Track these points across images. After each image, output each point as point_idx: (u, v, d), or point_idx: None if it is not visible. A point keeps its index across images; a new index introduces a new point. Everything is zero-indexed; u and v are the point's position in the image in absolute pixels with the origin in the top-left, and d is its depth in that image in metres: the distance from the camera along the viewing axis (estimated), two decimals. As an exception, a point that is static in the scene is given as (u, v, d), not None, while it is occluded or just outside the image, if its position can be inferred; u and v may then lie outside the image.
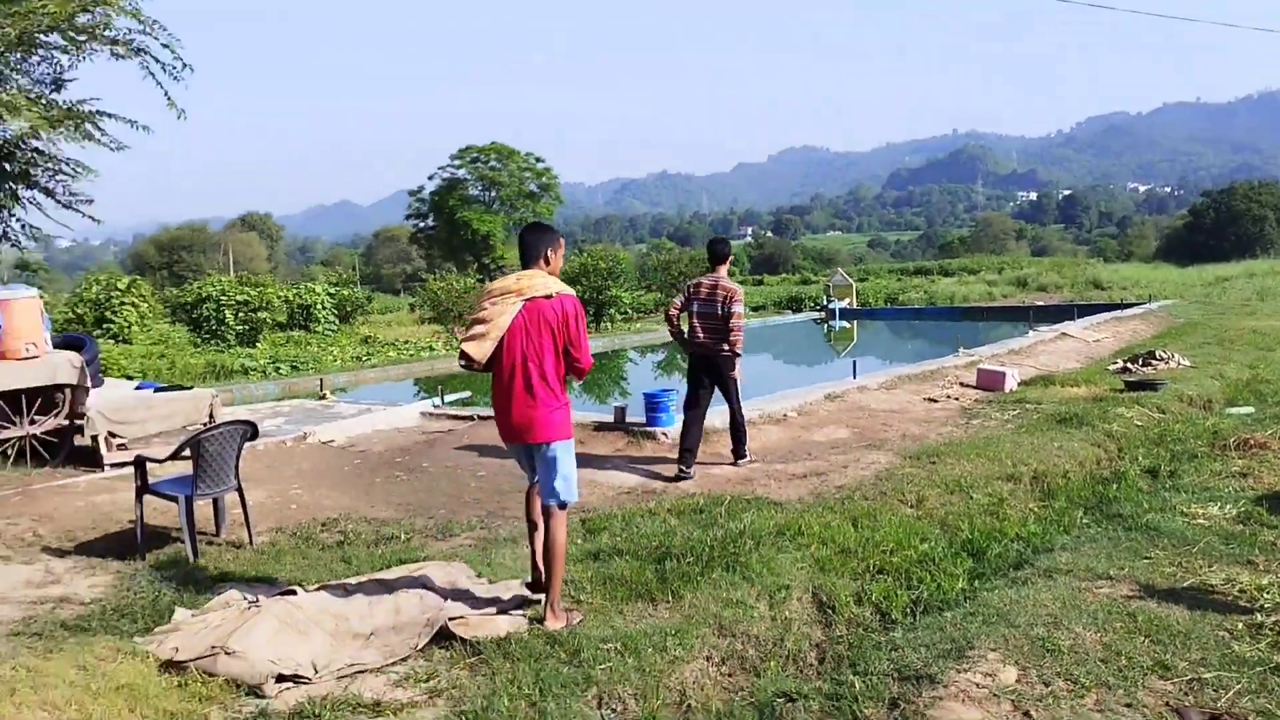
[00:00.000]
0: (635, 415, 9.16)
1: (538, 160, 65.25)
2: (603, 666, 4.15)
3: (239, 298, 23.09)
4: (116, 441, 8.19)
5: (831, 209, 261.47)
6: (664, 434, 8.65)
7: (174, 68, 9.39)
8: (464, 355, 4.76)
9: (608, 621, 4.67)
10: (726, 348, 7.83)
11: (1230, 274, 39.59)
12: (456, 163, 64.08)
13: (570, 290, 4.89)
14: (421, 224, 66.41)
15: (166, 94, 9.40)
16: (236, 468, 6.22)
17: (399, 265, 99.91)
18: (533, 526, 5.01)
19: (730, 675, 4.40)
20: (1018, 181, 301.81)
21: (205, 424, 8.53)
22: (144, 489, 6.13)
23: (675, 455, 8.28)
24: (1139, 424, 9.20)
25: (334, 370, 18.46)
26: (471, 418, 10.06)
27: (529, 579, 5.14)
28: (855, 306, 32.03)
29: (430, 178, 64.97)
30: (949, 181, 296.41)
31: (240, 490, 6.29)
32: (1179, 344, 15.53)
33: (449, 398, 11.40)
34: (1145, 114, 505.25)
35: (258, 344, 22.59)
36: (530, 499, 5.04)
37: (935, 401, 10.67)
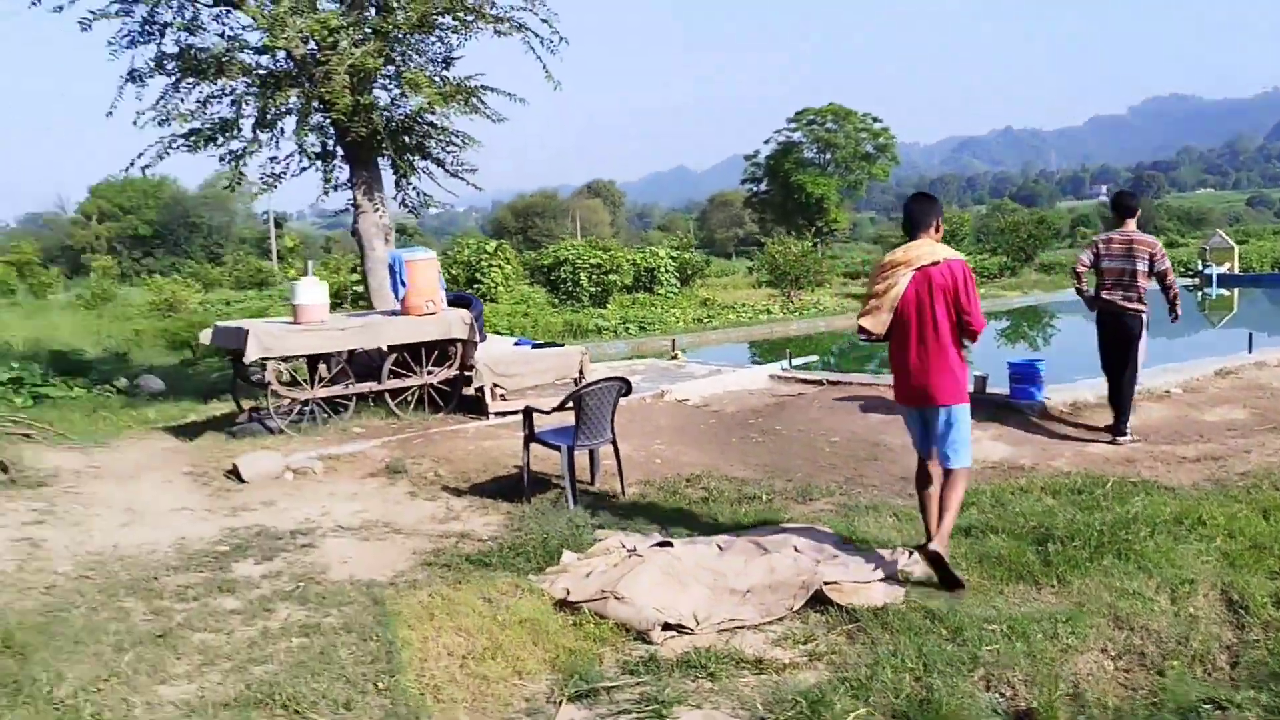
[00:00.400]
0: (996, 386, 8.72)
1: (875, 120, 63.65)
2: (989, 648, 3.98)
3: (592, 261, 24.45)
4: (500, 392, 8.93)
5: (1202, 164, 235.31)
6: (1030, 408, 8.15)
7: (550, 41, 10.02)
8: (862, 329, 4.98)
9: (988, 601, 4.48)
10: (1136, 306, 7.75)
11: None
12: (792, 125, 63.84)
13: (959, 255, 4.98)
14: (756, 188, 66.99)
15: (545, 66, 10.06)
16: (612, 422, 6.58)
17: (731, 230, 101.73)
18: (923, 485, 5.10)
19: (1128, 671, 4.07)
20: None
21: (576, 379, 9.12)
22: (531, 437, 6.63)
23: (1041, 428, 7.85)
24: None
25: (678, 331, 19.07)
26: (821, 382, 10.01)
27: (894, 547, 5.20)
28: (1237, 272, 28.63)
29: (766, 142, 65.22)
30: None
31: (615, 443, 6.65)
32: None
33: (796, 361, 11.42)
34: None
35: (608, 305, 23.82)
36: (922, 465, 5.14)
37: None
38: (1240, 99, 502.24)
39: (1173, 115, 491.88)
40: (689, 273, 30.54)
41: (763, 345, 18.00)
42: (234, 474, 7.27)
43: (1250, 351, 10.43)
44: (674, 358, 12.83)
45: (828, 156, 64.57)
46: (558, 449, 6.41)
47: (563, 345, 9.57)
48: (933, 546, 4.71)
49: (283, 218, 79.39)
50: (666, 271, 28.21)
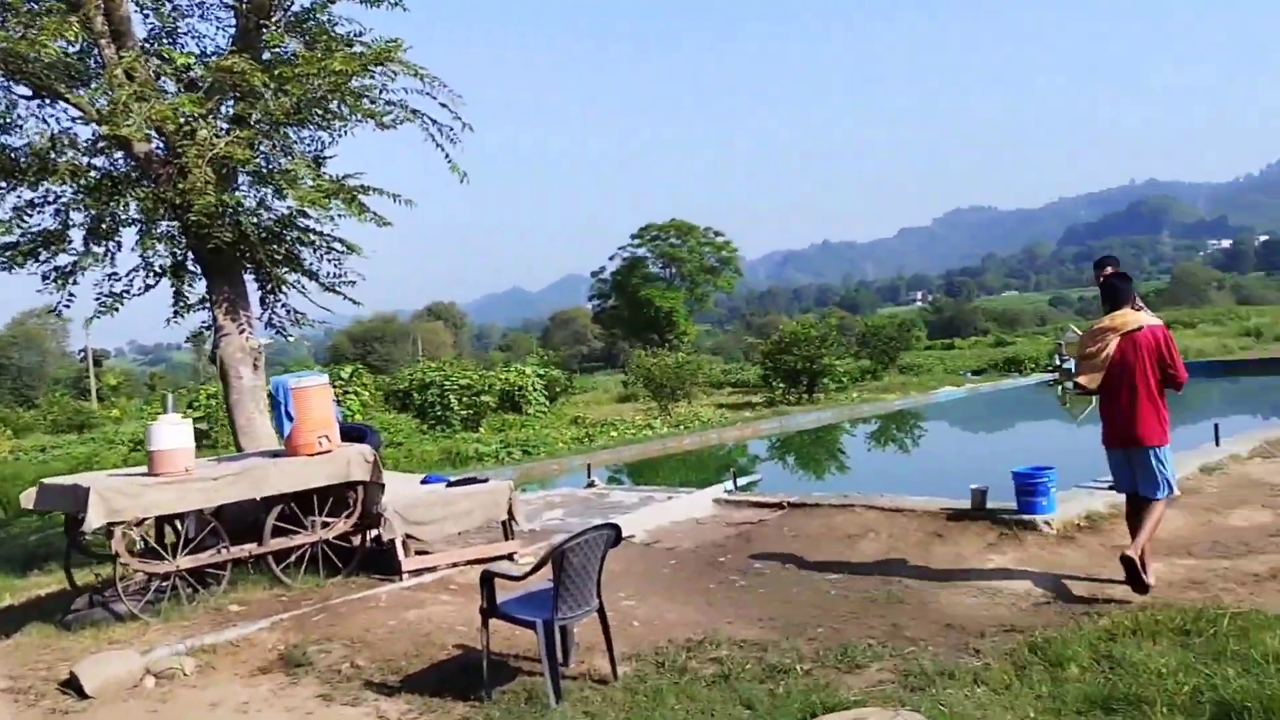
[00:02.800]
0: (997, 499, 7.66)
1: (717, 234, 64.85)
2: None
3: (462, 382, 22.77)
4: (415, 545, 7.27)
5: (1005, 269, 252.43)
6: (1046, 523, 7.08)
7: (451, 129, 8.67)
8: (1079, 386, 6.18)
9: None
10: None
11: None
12: (636, 241, 64.36)
13: (1159, 320, 6.20)
14: (604, 304, 66.80)
15: (448, 156, 8.65)
16: (599, 583, 5.08)
17: (575, 347, 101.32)
18: (1133, 514, 6.10)
19: None
20: (1207, 229, 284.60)
21: (507, 521, 7.54)
22: (491, 611, 5.05)
23: (1065, 549, 6.78)
24: None
25: (563, 454, 17.59)
26: (781, 505, 8.71)
27: None
28: (1091, 366, 29.42)
29: (611, 258, 65.54)
30: (1130, 233, 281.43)
31: (603, 610, 5.13)
32: None
33: (742, 480, 10.11)
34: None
35: (481, 428, 22.11)
36: (1131, 498, 6.16)
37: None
38: (1031, 209, 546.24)
39: (973, 225, 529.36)
40: (556, 391, 29.17)
41: (662, 465, 16.70)
42: (72, 686, 5.36)
43: (1218, 444, 9.81)
44: (591, 485, 11.34)
45: (672, 270, 65.22)
46: (530, 625, 4.85)
47: (485, 479, 7.98)
48: (1128, 552, 5.79)
49: (101, 354, 74.14)
50: (535, 390, 26.76)
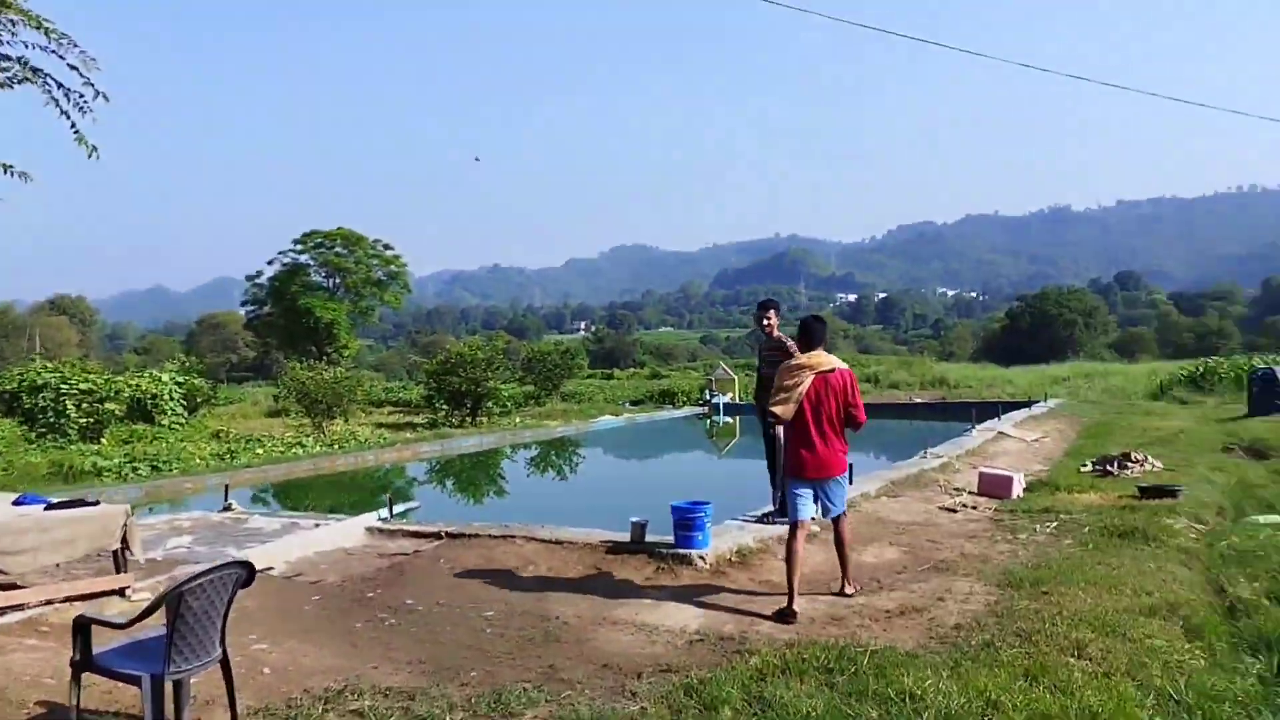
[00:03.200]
0: (656, 532, 7.68)
1: (386, 247, 62.96)
2: None
3: (81, 386, 20.15)
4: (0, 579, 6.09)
5: (663, 305, 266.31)
6: (701, 558, 7.16)
7: (80, 96, 7.48)
8: (773, 414, 6.49)
9: None
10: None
11: (1063, 374, 41.19)
12: (299, 248, 61.06)
13: (845, 365, 6.62)
14: (258, 310, 62.66)
15: (74, 126, 7.42)
16: (223, 630, 4.40)
17: (224, 354, 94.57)
18: (794, 546, 6.40)
19: None
20: (838, 284, 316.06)
21: (120, 551, 6.51)
22: (85, 664, 4.23)
23: (719, 584, 6.87)
24: (1193, 537, 8.36)
25: (200, 470, 16.02)
26: (438, 535, 8.26)
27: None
28: (738, 401, 31.34)
29: (270, 262, 61.62)
30: (773, 282, 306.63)
31: (226, 661, 4.46)
32: (1120, 444, 15.25)
33: (398, 507, 9.49)
34: (951, 224, 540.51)
35: (103, 439, 19.69)
36: (796, 534, 6.46)
37: (954, 511, 9.61)
38: (689, 251, 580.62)
39: (636, 261, 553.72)
40: (197, 401, 26.77)
41: (313, 486, 15.64)
42: None
43: (850, 482, 10.52)
44: (228, 508, 10.24)
45: (337, 281, 62.51)
46: (135, 680, 4.10)
47: (96, 503, 6.86)
48: (850, 590, 6.68)
49: None
50: (171, 399, 24.37)
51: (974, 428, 16.54)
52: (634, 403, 33.85)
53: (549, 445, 22.47)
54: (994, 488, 10.50)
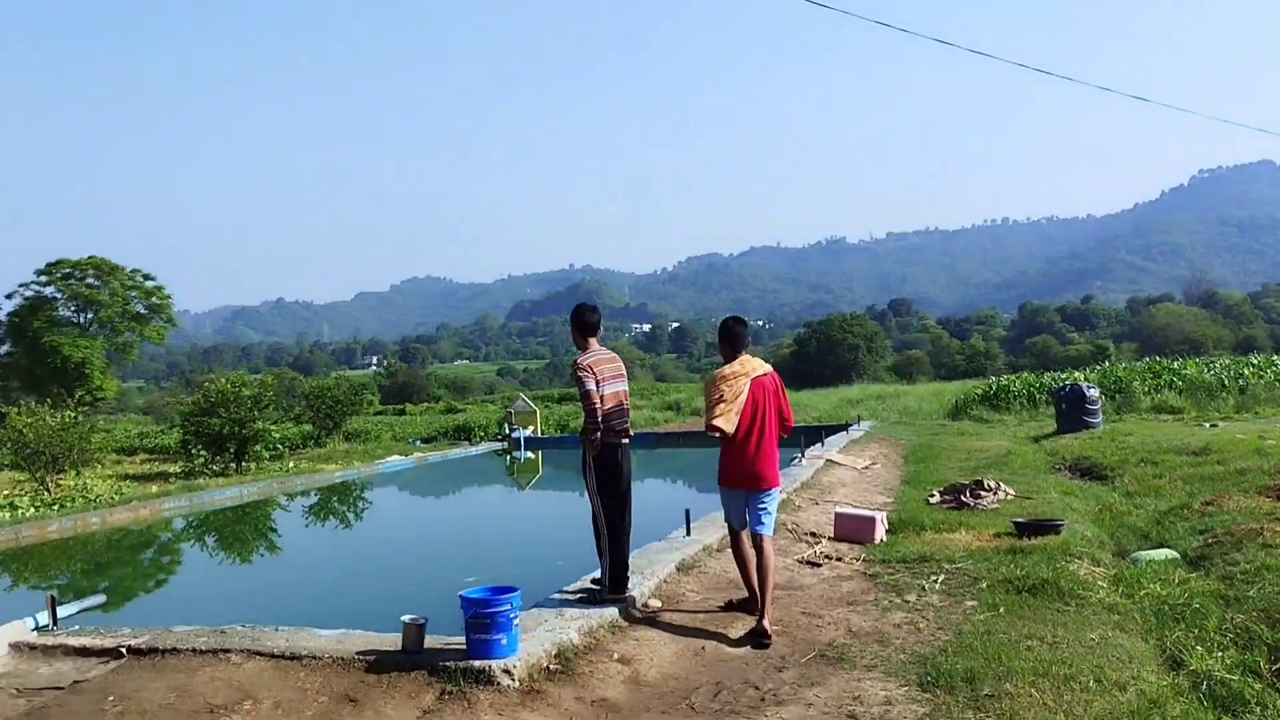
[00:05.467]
0: (439, 633, 5.41)
1: (146, 278, 57.22)
2: None
3: None
4: None
5: (458, 338, 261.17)
6: (507, 671, 4.92)
7: None
8: (717, 429, 6.04)
9: None
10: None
11: (854, 396, 41.35)
12: (44, 279, 54.59)
13: (770, 368, 6.27)
14: (-3, 350, 55.51)
15: None
16: None
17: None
18: (742, 550, 6.19)
19: None
20: (632, 314, 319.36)
21: None
22: None
23: (535, 713, 4.70)
24: (1104, 587, 6.86)
25: None
26: (118, 651, 5.63)
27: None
28: (540, 434, 29.15)
29: (9, 296, 54.82)
30: (569, 313, 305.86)
31: None
32: (953, 469, 14.11)
33: (70, 607, 6.65)
34: (737, 255, 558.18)
35: None
36: (739, 538, 6.21)
37: (818, 565, 7.79)
38: (483, 283, 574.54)
39: (429, 294, 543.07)
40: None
41: (10, 564, 12.37)
42: None
43: (689, 533, 8.58)
44: None
45: (90, 315, 56.29)
46: None
47: None
48: (767, 624, 5.81)
49: None
50: None
51: (802, 456, 15.02)
52: (426, 440, 31.07)
53: (326, 493, 19.56)
54: (854, 531, 8.80)
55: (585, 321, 6.69)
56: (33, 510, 16.12)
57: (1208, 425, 19.81)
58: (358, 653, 5.18)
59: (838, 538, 8.83)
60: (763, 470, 6.07)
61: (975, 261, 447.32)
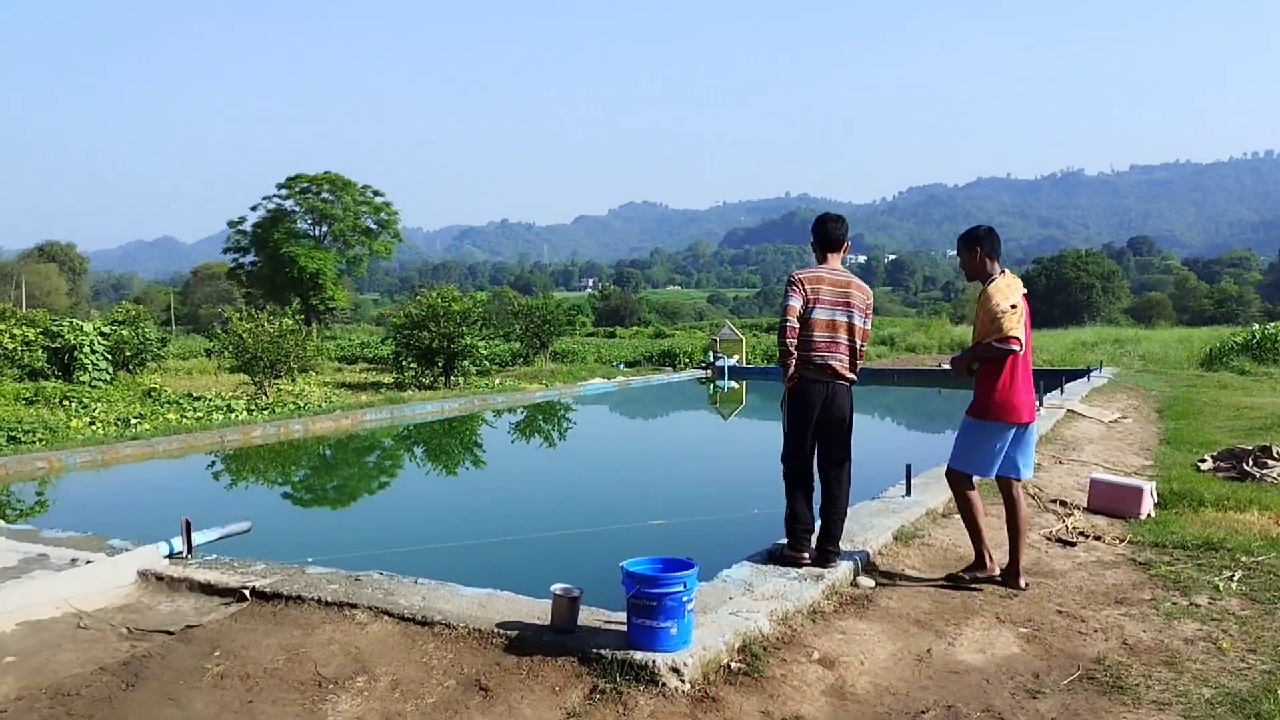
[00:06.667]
0: (595, 606, 4.45)
1: (376, 194, 59.50)
2: None
3: (14, 334, 16.91)
4: None
5: (671, 264, 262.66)
6: (676, 670, 3.90)
7: None
8: (1015, 340, 5.13)
9: None
10: (854, 376, 5.57)
11: (1088, 339, 37.85)
12: (284, 192, 57.65)
13: None
14: (242, 259, 59.36)
15: None
16: None
17: (219, 305, 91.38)
18: (977, 517, 5.47)
19: None
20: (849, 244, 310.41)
21: None
22: None
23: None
24: None
25: (82, 441, 12.84)
26: (241, 592, 4.99)
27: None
28: (745, 364, 28.06)
29: (254, 208, 58.31)
30: (784, 241, 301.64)
31: None
32: (1223, 428, 12.03)
33: (211, 532, 6.11)
34: (961, 186, 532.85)
35: (-9, 397, 16.56)
36: (975, 492, 5.48)
37: (1071, 544, 6.36)
38: (698, 209, 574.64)
39: (645, 219, 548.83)
40: (129, 354, 23.60)
41: (195, 469, 12.50)
42: None
43: (909, 493, 7.29)
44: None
45: (324, 229, 59.19)
46: None
47: None
48: (1024, 582, 5.37)
49: None
50: (94, 352, 21.19)
51: (1040, 404, 13.18)
52: (629, 364, 30.60)
53: (524, 415, 19.28)
54: (1114, 502, 7.24)
55: (824, 233, 5.60)
56: (246, 414, 16.49)
57: None
58: (498, 625, 4.28)
59: (1092, 508, 7.30)
60: (1030, 398, 5.38)
61: (1230, 198, 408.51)
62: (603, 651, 3.93)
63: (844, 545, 5.55)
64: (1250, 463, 9.21)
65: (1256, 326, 33.19)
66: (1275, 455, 9.34)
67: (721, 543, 7.42)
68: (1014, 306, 5.16)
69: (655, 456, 14.28)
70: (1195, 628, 4.73)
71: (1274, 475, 8.90)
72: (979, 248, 5.38)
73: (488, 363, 25.39)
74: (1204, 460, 9.71)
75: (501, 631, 4.22)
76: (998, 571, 5.44)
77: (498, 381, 23.97)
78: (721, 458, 14.16)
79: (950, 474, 5.51)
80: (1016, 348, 5.14)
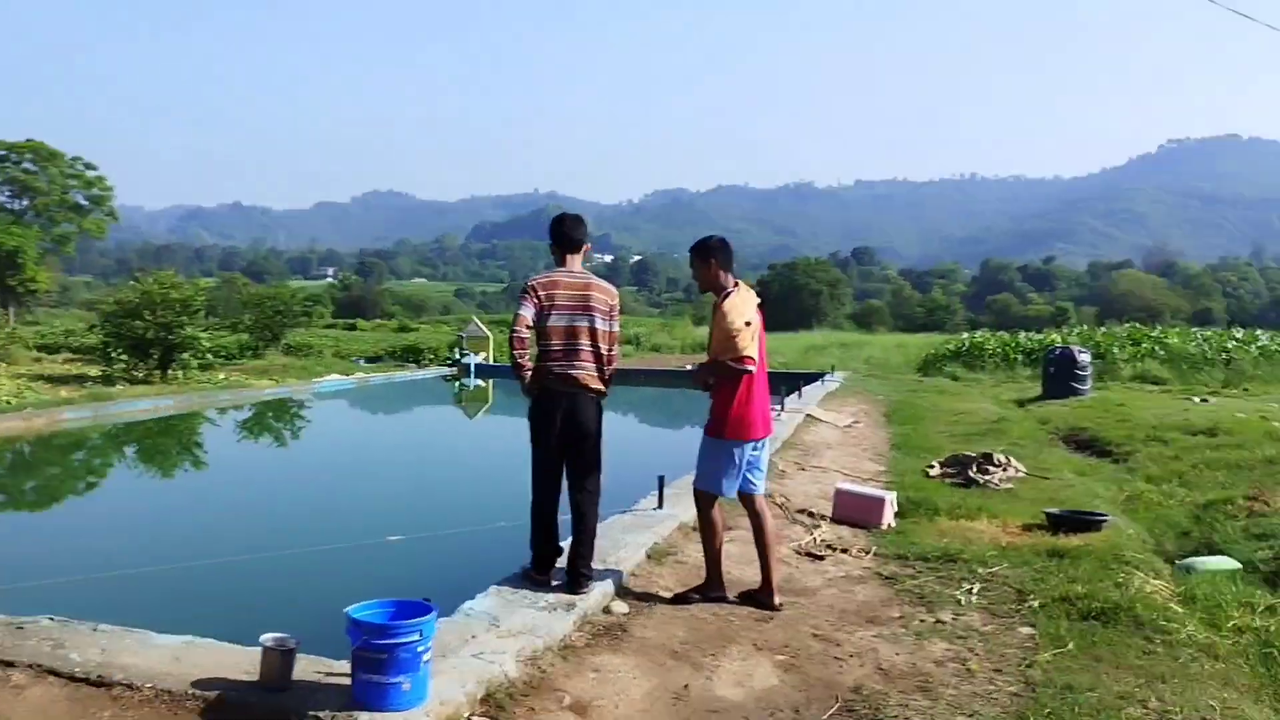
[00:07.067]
0: (315, 654, 3.83)
1: (88, 167, 54.18)
2: None
3: None
4: None
5: (417, 255, 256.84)
6: (409, 728, 3.37)
7: None
8: (750, 359, 5.03)
9: None
10: (602, 386, 5.25)
11: (819, 342, 40.14)
12: (-22, 162, 51.37)
13: None
14: (-77, 234, 52.32)
15: None
16: None
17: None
18: (717, 534, 5.31)
19: None
20: (595, 244, 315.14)
21: None
22: None
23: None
24: (1175, 604, 5.47)
25: None
26: None
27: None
28: (493, 362, 27.48)
29: (-60, 177, 51.60)
30: (532, 237, 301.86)
31: None
32: (943, 432, 12.77)
33: None
34: (704, 192, 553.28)
35: None
36: (718, 510, 5.31)
37: (819, 558, 6.31)
38: (446, 201, 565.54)
39: (390, 209, 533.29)
40: None
41: None
42: None
43: (661, 505, 7.05)
44: None
45: (25, 203, 53.26)
46: None
47: None
48: (779, 600, 5.20)
49: None
50: None
51: (781, 408, 13.53)
52: (371, 359, 29.29)
53: (252, 411, 17.86)
54: (858, 512, 7.33)
55: (561, 234, 5.30)
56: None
57: (1198, 400, 18.62)
58: (195, 683, 3.58)
59: (837, 519, 7.36)
60: (769, 411, 5.39)
61: (942, 215, 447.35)
62: (321, 714, 3.35)
63: (596, 565, 5.22)
64: (974, 469, 9.71)
65: (965, 335, 36.21)
66: (995, 462, 9.90)
67: (465, 561, 6.94)
68: (748, 324, 5.05)
69: (394, 462, 13.46)
70: (944, 647, 4.71)
71: (995, 480, 9.41)
72: (713, 259, 5.25)
73: (211, 356, 23.45)
74: (932, 466, 10.16)
75: (198, 692, 3.54)
76: (730, 595, 5.31)
77: (222, 377, 22.14)
78: (466, 463, 13.59)
79: (697, 494, 5.33)
80: (751, 368, 5.06)
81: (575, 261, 5.27)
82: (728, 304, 5.11)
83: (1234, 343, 27.20)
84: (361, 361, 28.37)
